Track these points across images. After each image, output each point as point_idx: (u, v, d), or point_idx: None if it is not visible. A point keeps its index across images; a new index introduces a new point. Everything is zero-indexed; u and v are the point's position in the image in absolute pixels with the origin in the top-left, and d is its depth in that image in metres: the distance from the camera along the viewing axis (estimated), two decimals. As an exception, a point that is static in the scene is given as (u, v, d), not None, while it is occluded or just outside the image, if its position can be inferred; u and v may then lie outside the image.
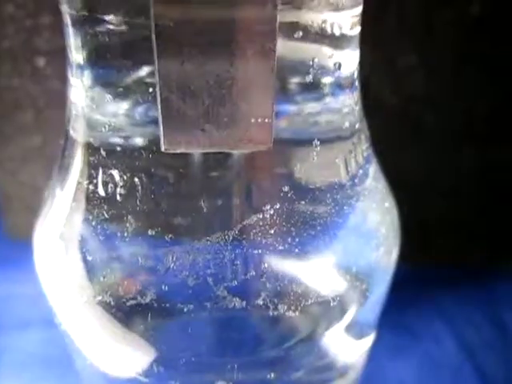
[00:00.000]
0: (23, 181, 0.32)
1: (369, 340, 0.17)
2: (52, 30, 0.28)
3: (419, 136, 0.28)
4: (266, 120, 0.10)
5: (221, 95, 0.10)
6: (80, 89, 0.12)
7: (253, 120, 0.10)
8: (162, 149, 0.10)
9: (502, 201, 0.30)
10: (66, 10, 0.12)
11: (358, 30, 0.13)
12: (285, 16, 0.11)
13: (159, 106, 0.10)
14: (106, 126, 0.12)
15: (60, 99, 0.31)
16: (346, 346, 0.15)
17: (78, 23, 0.12)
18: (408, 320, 0.28)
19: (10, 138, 0.31)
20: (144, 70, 0.11)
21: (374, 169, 0.14)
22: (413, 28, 0.25)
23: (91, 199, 0.12)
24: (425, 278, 0.30)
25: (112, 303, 0.12)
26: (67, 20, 0.12)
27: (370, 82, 0.26)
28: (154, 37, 0.09)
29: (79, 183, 0.13)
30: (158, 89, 0.09)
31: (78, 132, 0.13)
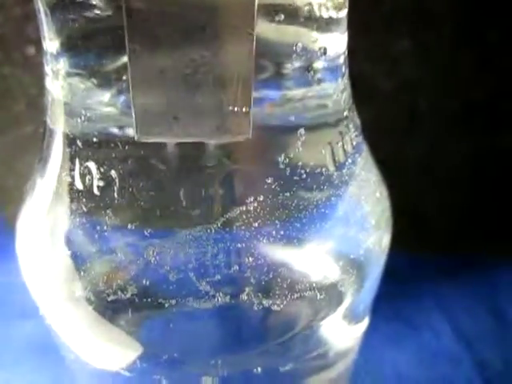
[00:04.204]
0: (19, 171, 0.32)
1: (362, 326, 0.16)
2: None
3: (413, 122, 0.28)
4: (244, 109, 0.09)
5: (196, 82, 0.09)
6: (56, 77, 0.12)
7: (230, 109, 0.09)
8: (136, 138, 0.10)
9: (500, 188, 0.30)
10: None
11: (344, 12, 0.12)
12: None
13: (131, 93, 0.09)
14: (83, 116, 0.11)
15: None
16: (340, 333, 0.15)
17: (55, 9, 0.11)
18: (405, 310, 0.28)
19: (3, 128, 0.31)
20: (122, 59, 0.11)
21: (364, 158, 0.14)
22: (406, 12, 0.25)
23: (69, 192, 0.12)
24: (423, 267, 0.30)
25: (92, 298, 0.12)
26: (40, 5, 0.11)
27: (363, 67, 0.25)
28: (125, 19, 0.09)
29: (58, 175, 0.12)
30: (129, 75, 0.09)
31: (55, 122, 0.12)
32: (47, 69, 0.12)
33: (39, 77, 0.30)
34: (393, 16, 0.25)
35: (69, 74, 0.12)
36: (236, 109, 0.09)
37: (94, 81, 0.11)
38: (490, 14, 0.25)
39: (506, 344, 0.26)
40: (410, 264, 0.29)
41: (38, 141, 0.32)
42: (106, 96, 0.11)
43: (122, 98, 0.11)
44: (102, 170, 0.11)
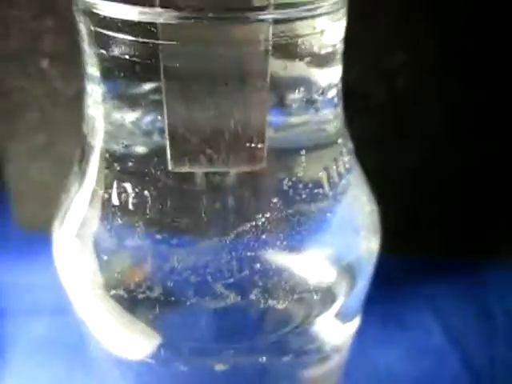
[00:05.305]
0: (32, 177, 0.33)
1: (354, 324, 0.18)
2: (55, 32, 0.29)
3: (407, 134, 0.29)
4: (260, 145, 0.12)
5: (221, 125, 0.11)
6: (96, 101, 0.13)
7: (248, 145, 0.12)
8: (169, 168, 0.12)
9: (489, 195, 0.31)
10: (84, 29, 0.12)
11: (341, 46, 0.13)
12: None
13: (167, 134, 0.11)
14: (123, 141, 0.13)
15: (63, 99, 0.32)
16: (334, 330, 0.17)
17: (98, 45, 0.12)
18: (396, 310, 0.29)
19: (19, 136, 0.32)
20: (147, 86, 0.13)
21: (355, 177, 0.16)
22: (400, 26, 0.26)
23: (106, 206, 0.14)
24: (413, 268, 0.31)
25: (124, 296, 0.14)
26: (85, 38, 0.12)
27: (357, 80, 0.26)
28: (162, 79, 0.11)
29: (95, 190, 0.14)
30: (165, 121, 0.11)
31: (96, 143, 0.14)
32: (88, 88, 0.13)
33: (51, 89, 0.31)
34: (386, 29, 0.25)
35: (107, 99, 0.13)
36: (253, 145, 0.12)
37: (126, 105, 0.13)
38: (481, 29, 0.25)
39: (494, 342, 0.27)
40: (401, 266, 0.30)
41: (50, 150, 0.34)
42: (140, 124, 0.13)
43: (148, 119, 0.13)
44: (136, 190, 0.13)
